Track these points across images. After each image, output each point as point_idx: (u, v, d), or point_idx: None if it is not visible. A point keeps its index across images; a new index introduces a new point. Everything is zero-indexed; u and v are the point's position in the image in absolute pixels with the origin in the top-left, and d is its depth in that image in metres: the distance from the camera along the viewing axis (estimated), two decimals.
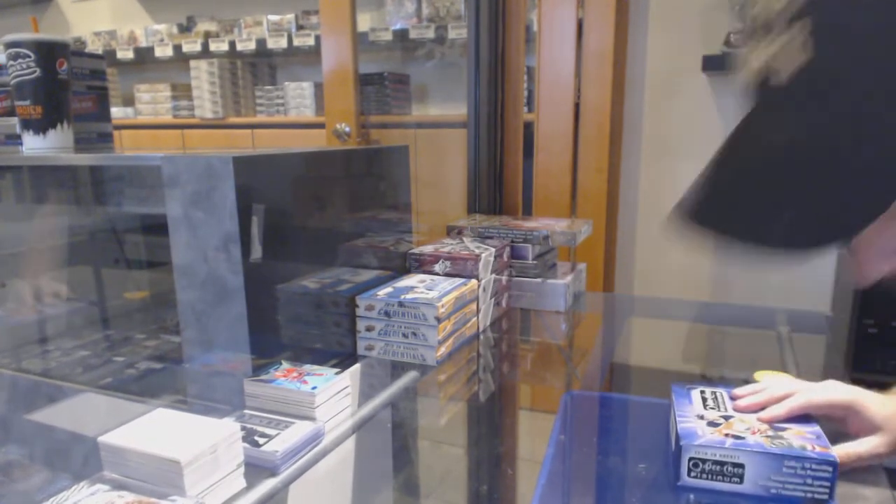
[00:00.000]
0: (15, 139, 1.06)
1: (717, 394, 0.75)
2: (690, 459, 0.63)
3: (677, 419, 0.68)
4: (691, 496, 0.63)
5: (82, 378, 0.95)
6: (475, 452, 0.92)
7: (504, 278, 1.19)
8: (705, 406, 0.72)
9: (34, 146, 0.98)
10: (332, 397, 0.74)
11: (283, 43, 3.21)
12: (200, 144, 3.34)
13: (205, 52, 3.42)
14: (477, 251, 1.09)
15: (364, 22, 2.99)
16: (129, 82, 3.79)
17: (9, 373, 0.99)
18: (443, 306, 0.92)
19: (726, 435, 0.64)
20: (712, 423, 0.67)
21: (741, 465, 0.61)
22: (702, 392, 0.75)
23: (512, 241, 1.22)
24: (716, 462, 0.62)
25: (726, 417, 0.69)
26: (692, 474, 0.63)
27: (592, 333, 1.28)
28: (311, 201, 0.89)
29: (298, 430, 0.69)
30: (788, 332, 1.15)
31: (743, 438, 0.63)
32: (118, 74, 3.85)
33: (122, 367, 0.98)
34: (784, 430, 0.65)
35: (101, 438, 0.60)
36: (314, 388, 0.72)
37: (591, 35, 2.14)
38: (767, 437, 0.64)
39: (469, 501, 0.79)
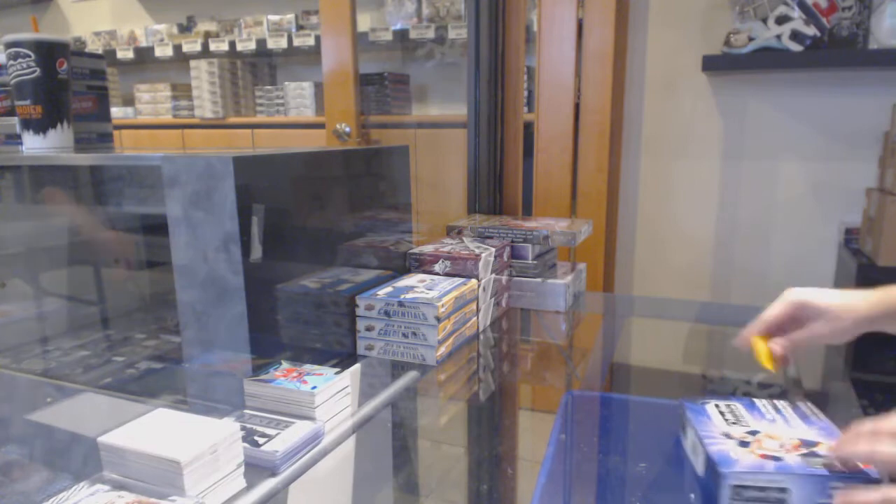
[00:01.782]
0: (15, 139, 1.06)
1: (731, 406, 0.72)
2: (732, 488, 0.59)
3: (704, 441, 0.64)
4: None
5: (82, 378, 0.95)
6: (475, 452, 0.92)
7: (504, 278, 1.19)
8: (726, 421, 0.68)
9: (34, 146, 0.98)
10: (332, 397, 0.74)
11: (283, 43, 3.21)
12: (200, 144, 3.34)
13: (205, 52, 3.42)
14: (477, 251, 1.09)
15: (364, 22, 2.99)
16: (129, 82, 3.79)
17: (9, 373, 0.99)
18: (443, 306, 0.92)
19: (762, 456, 0.61)
20: (742, 443, 0.64)
21: (785, 490, 0.58)
22: (716, 406, 0.72)
23: (512, 241, 1.22)
24: (759, 488, 0.59)
25: (752, 433, 0.66)
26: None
27: (592, 333, 1.28)
28: (311, 201, 0.89)
29: (298, 430, 0.69)
30: None
31: (781, 459, 0.60)
32: (118, 74, 3.85)
33: (122, 367, 0.98)
34: (815, 445, 0.63)
35: (101, 438, 0.60)
36: (314, 387, 0.72)
37: (591, 35, 2.14)
38: (803, 455, 0.61)
39: (469, 501, 0.79)
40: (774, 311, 0.76)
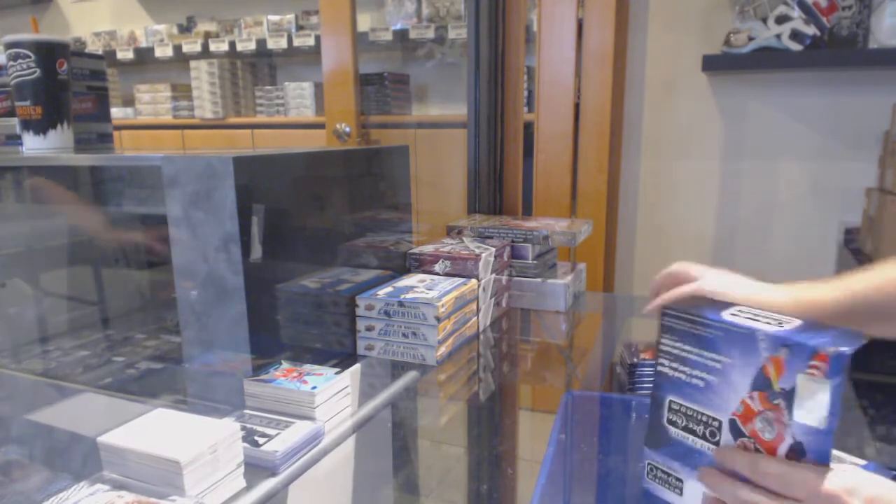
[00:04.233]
0: (15, 139, 1.06)
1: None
2: None
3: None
4: None
5: (82, 378, 0.95)
6: (475, 452, 0.92)
7: (504, 278, 1.19)
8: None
9: (34, 146, 0.98)
10: (332, 397, 0.74)
11: (283, 43, 3.21)
12: (200, 145, 3.34)
13: (205, 53, 3.42)
14: (477, 251, 1.09)
15: (364, 22, 2.99)
16: (129, 82, 3.79)
17: (9, 373, 0.99)
18: (443, 306, 0.92)
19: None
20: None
21: None
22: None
23: (512, 241, 1.22)
24: None
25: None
26: None
27: (592, 333, 1.28)
28: (311, 201, 0.89)
29: (298, 430, 0.69)
30: None
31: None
32: (118, 74, 3.85)
33: (122, 367, 0.98)
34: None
35: (101, 438, 0.60)
36: (314, 387, 0.72)
37: (591, 35, 2.14)
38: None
39: (469, 501, 0.79)
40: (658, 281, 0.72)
